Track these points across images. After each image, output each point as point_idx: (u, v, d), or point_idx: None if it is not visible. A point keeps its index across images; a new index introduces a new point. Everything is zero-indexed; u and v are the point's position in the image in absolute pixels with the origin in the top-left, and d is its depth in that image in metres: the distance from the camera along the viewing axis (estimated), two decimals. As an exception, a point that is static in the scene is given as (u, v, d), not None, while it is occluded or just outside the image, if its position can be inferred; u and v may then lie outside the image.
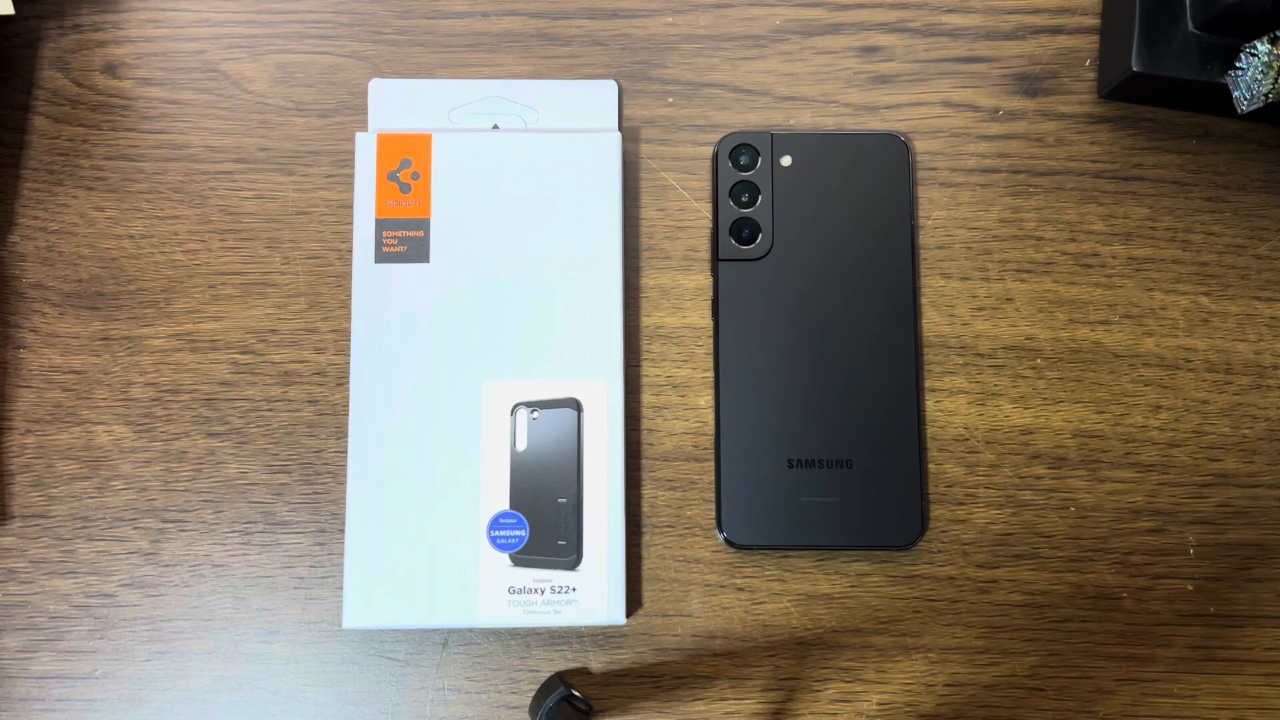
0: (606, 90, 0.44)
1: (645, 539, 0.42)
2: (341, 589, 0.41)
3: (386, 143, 0.42)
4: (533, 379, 0.41)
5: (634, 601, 0.41)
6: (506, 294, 0.41)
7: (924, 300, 0.43)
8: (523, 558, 0.40)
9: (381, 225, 0.42)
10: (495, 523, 0.40)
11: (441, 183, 0.42)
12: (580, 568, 0.40)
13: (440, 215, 0.42)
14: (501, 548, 0.40)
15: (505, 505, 0.40)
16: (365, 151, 0.42)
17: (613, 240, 0.42)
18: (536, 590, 0.40)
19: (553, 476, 0.40)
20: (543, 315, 0.41)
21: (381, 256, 0.41)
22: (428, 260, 0.41)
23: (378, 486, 0.40)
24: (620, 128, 0.44)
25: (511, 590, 0.40)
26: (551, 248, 0.41)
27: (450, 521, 0.40)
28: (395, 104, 0.43)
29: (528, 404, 0.41)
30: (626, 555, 0.40)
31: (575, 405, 0.40)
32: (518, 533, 0.40)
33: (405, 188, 0.42)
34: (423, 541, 0.40)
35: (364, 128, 0.44)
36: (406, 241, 0.41)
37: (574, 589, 0.40)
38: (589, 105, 0.44)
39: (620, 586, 0.40)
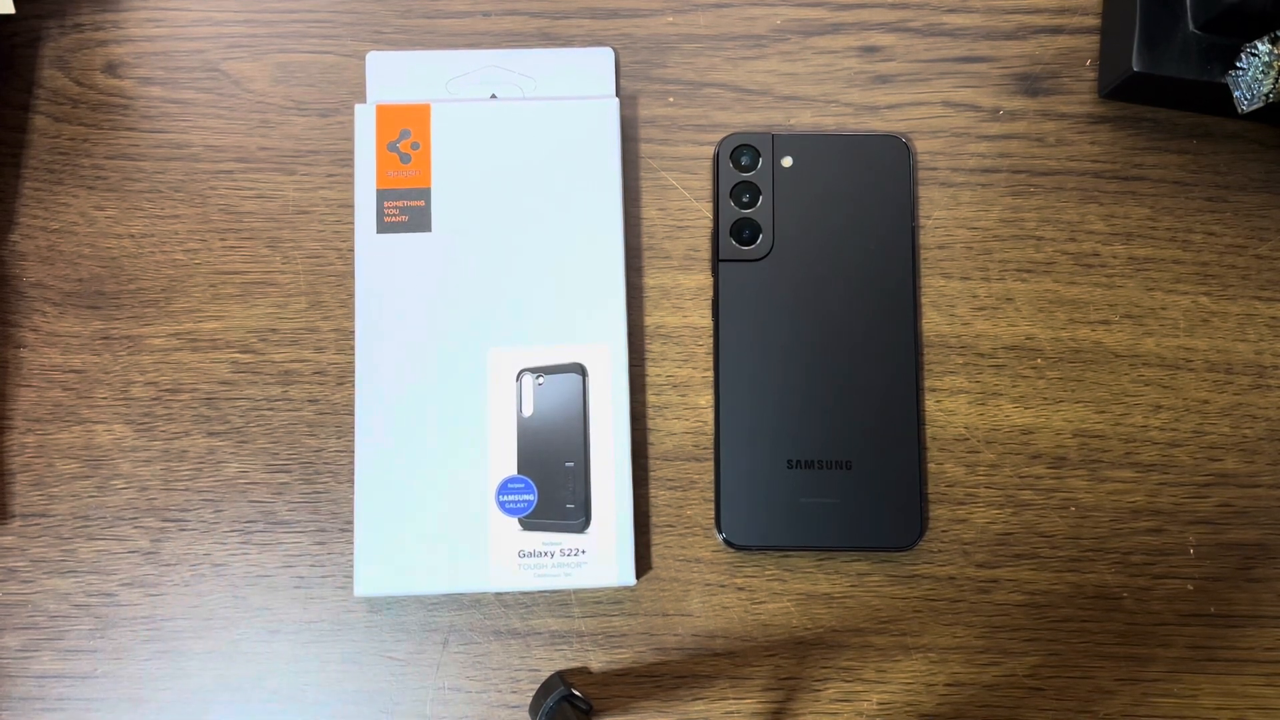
0: (603, 57, 0.44)
1: (646, 538, 0.42)
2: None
3: (385, 113, 0.42)
4: (537, 345, 0.41)
5: (643, 563, 0.41)
6: (509, 261, 0.41)
7: (924, 300, 0.43)
8: (532, 521, 0.40)
9: (383, 195, 0.42)
10: (503, 488, 0.40)
11: (441, 152, 0.42)
12: (589, 530, 0.40)
13: (441, 185, 0.42)
14: (510, 512, 0.40)
15: (513, 470, 0.40)
16: (365, 122, 0.42)
17: (613, 205, 0.42)
18: (546, 553, 0.40)
19: (559, 441, 0.40)
20: (545, 281, 0.41)
21: (383, 227, 0.42)
22: (430, 230, 0.41)
23: (386, 455, 0.40)
24: (618, 94, 0.44)
25: (521, 554, 0.40)
26: (552, 214, 0.42)
27: (459, 487, 0.40)
28: (393, 76, 0.43)
29: (533, 370, 0.41)
30: (635, 518, 0.40)
31: (580, 370, 0.41)
32: (526, 497, 0.40)
33: (405, 158, 0.42)
34: (432, 508, 0.40)
35: (364, 127, 0.44)
36: (408, 211, 0.41)
37: (583, 551, 0.40)
38: (586, 72, 0.44)
39: (629, 547, 0.40)
